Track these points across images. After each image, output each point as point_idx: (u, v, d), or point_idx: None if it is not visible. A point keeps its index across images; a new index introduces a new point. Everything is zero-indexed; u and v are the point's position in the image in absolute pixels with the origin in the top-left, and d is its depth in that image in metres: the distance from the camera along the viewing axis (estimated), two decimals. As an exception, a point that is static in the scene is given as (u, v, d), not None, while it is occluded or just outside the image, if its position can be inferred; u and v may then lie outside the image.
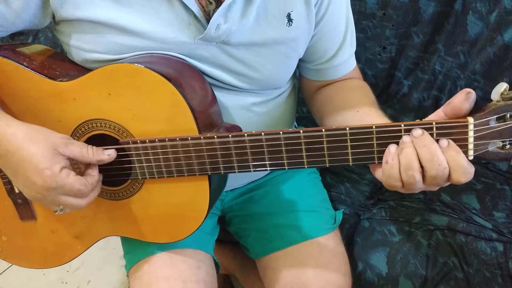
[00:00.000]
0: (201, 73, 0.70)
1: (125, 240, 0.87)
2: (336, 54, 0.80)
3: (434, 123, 0.54)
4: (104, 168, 0.66)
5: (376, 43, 1.22)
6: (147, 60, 0.65)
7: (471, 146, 0.54)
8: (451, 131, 0.54)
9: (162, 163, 0.64)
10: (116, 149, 0.65)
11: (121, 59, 0.67)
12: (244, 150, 0.61)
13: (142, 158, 0.65)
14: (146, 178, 0.67)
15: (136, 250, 0.81)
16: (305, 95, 0.90)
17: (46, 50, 0.75)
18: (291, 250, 0.84)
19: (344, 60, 0.81)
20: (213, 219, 0.93)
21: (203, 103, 0.67)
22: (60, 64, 0.71)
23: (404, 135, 0.55)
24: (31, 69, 0.65)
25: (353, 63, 0.84)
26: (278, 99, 0.82)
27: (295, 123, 1.01)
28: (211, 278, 0.82)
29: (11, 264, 1.24)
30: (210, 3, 0.66)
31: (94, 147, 0.64)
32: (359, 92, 0.79)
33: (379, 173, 0.59)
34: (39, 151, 0.58)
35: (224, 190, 0.83)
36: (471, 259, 0.86)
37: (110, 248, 1.49)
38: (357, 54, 0.84)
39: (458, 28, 1.10)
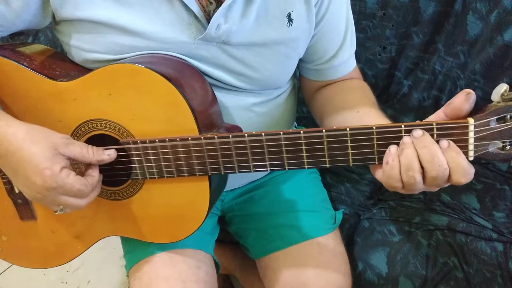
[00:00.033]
0: (201, 73, 0.70)
1: (125, 240, 0.87)
2: (336, 54, 0.80)
3: (434, 123, 0.54)
4: (104, 168, 0.66)
5: (376, 43, 1.22)
6: (147, 60, 0.65)
7: (471, 147, 0.54)
8: (451, 132, 0.54)
9: (162, 163, 0.64)
10: (117, 149, 0.65)
11: (121, 59, 0.67)
12: (244, 150, 0.61)
13: (143, 158, 0.65)
14: (146, 178, 0.67)
15: (136, 250, 0.81)
16: (305, 95, 0.90)
17: (46, 50, 0.75)
18: (291, 250, 0.84)
19: (344, 60, 0.81)
20: (213, 219, 0.93)
21: (204, 103, 0.67)
22: (60, 64, 0.71)
23: (404, 135, 0.55)
24: (31, 69, 0.65)
25: (353, 63, 0.84)
26: (278, 99, 0.82)
27: (295, 123, 1.02)
28: (211, 278, 0.82)
29: (11, 264, 1.24)
30: (211, 3, 0.66)
31: (95, 147, 0.64)
32: (359, 92, 0.79)
33: (379, 174, 0.59)
34: (39, 151, 0.58)
35: (224, 190, 0.83)
36: (471, 259, 0.86)
37: (110, 248, 1.49)
38: (357, 54, 0.84)
39: (458, 28, 1.10)
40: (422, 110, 1.21)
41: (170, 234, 0.72)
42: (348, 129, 0.56)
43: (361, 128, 0.56)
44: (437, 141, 0.54)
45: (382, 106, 0.73)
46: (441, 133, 0.54)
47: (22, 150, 0.58)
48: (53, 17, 0.68)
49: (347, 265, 0.85)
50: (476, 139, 0.53)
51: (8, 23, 0.66)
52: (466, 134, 0.53)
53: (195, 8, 0.65)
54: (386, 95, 1.28)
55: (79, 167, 0.65)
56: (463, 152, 0.53)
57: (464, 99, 0.52)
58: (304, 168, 0.60)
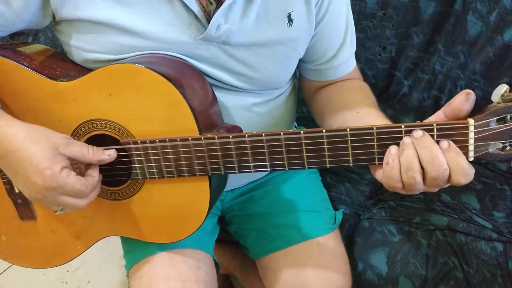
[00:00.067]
0: (202, 73, 0.70)
1: (125, 240, 0.87)
2: (336, 54, 0.80)
3: (434, 124, 0.54)
4: (104, 168, 0.66)
5: (376, 43, 1.22)
6: (147, 60, 0.65)
7: (471, 147, 0.54)
8: (451, 133, 0.54)
9: (162, 164, 0.64)
10: (117, 149, 0.65)
11: (121, 59, 0.67)
12: (244, 150, 0.61)
13: (143, 158, 0.65)
14: (147, 178, 0.67)
15: (136, 250, 0.81)
16: (305, 95, 0.90)
17: (46, 50, 0.75)
18: (291, 250, 0.84)
19: (344, 60, 0.81)
20: (213, 219, 0.93)
21: (204, 103, 0.67)
22: (60, 64, 0.71)
23: (404, 136, 0.55)
24: (31, 69, 0.65)
25: (353, 63, 0.84)
26: (278, 99, 0.82)
27: (295, 123, 1.01)
28: (211, 278, 0.82)
29: (11, 264, 1.24)
30: (211, 3, 0.66)
31: (95, 147, 0.64)
32: (359, 92, 0.79)
33: (379, 174, 0.59)
34: (39, 151, 0.58)
35: (224, 190, 0.83)
36: (471, 259, 0.86)
37: (110, 248, 1.49)
38: (357, 54, 0.84)
39: (458, 28, 1.10)
40: (422, 110, 1.21)
41: (170, 234, 0.72)
42: (348, 129, 0.56)
43: (361, 128, 0.56)
44: (437, 142, 0.54)
45: (382, 106, 0.73)
46: (441, 133, 0.54)
47: (22, 150, 0.58)
48: (53, 17, 0.68)
49: (347, 265, 0.85)
50: (476, 140, 0.54)
51: (8, 23, 0.66)
52: (466, 134, 0.53)
53: (195, 8, 0.65)
54: (386, 95, 1.28)
55: (79, 167, 0.65)
56: (463, 153, 0.53)
57: (464, 99, 0.53)
58: (304, 168, 0.60)
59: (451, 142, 0.53)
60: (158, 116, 0.63)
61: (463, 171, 0.53)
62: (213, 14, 0.65)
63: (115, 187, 0.70)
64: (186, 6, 0.64)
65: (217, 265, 0.88)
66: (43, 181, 0.58)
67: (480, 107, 0.54)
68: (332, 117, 0.76)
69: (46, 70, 0.67)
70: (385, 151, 0.56)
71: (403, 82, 1.25)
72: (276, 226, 0.88)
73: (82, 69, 0.70)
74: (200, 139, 0.62)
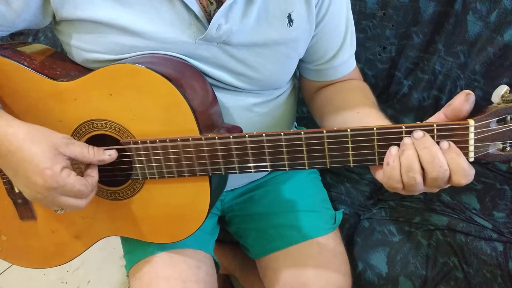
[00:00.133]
0: (202, 74, 0.70)
1: (125, 240, 0.87)
2: (336, 54, 0.80)
3: (435, 125, 0.54)
4: (104, 168, 0.66)
5: (376, 43, 1.22)
6: (148, 60, 0.65)
7: (471, 148, 0.54)
8: (451, 133, 0.54)
9: (163, 164, 0.64)
10: (117, 149, 0.65)
11: (121, 59, 0.67)
12: (245, 151, 0.61)
13: (143, 158, 0.65)
14: (147, 178, 0.67)
15: (136, 250, 0.81)
16: (305, 95, 0.90)
17: (46, 50, 0.75)
18: (291, 250, 0.84)
19: (344, 60, 0.81)
20: (213, 219, 0.93)
21: (204, 103, 0.67)
22: (60, 64, 0.71)
23: (405, 137, 0.55)
24: (31, 69, 0.65)
25: (353, 63, 0.84)
26: (278, 100, 0.82)
27: (295, 123, 1.02)
28: (211, 278, 0.82)
29: (11, 264, 1.24)
30: (211, 3, 0.66)
31: (95, 147, 0.64)
32: (359, 93, 0.80)
33: (379, 175, 0.59)
34: (40, 151, 0.58)
35: (224, 190, 0.83)
36: (471, 259, 0.86)
37: (110, 248, 1.49)
38: (357, 54, 0.84)
39: (458, 28, 1.10)
40: (422, 110, 1.21)
41: (170, 234, 0.72)
42: (348, 130, 0.56)
43: (361, 129, 0.56)
44: (438, 142, 0.54)
45: (382, 106, 0.73)
46: (441, 134, 0.54)
47: (22, 150, 0.58)
48: (53, 17, 0.68)
49: (347, 265, 0.85)
50: (476, 140, 0.54)
51: (8, 23, 0.66)
52: (467, 135, 0.53)
53: (196, 8, 0.65)
54: (386, 95, 1.28)
55: (79, 167, 0.65)
56: (464, 153, 0.54)
57: (463, 100, 0.53)
58: (305, 168, 0.60)
59: (451, 143, 0.54)
60: (159, 116, 0.63)
61: (464, 172, 0.53)
62: (214, 14, 0.65)
63: (115, 187, 0.70)
64: (186, 6, 0.64)
65: (217, 265, 0.88)
66: (44, 181, 0.58)
67: (480, 107, 0.54)
68: (332, 117, 0.76)
69: (46, 70, 0.67)
70: (386, 151, 0.56)
71: (403, 82, 1.25)
72: (276, 226, 0.88)
73: (82, 69, 0.70)
74: (200, 139, 0.62)
